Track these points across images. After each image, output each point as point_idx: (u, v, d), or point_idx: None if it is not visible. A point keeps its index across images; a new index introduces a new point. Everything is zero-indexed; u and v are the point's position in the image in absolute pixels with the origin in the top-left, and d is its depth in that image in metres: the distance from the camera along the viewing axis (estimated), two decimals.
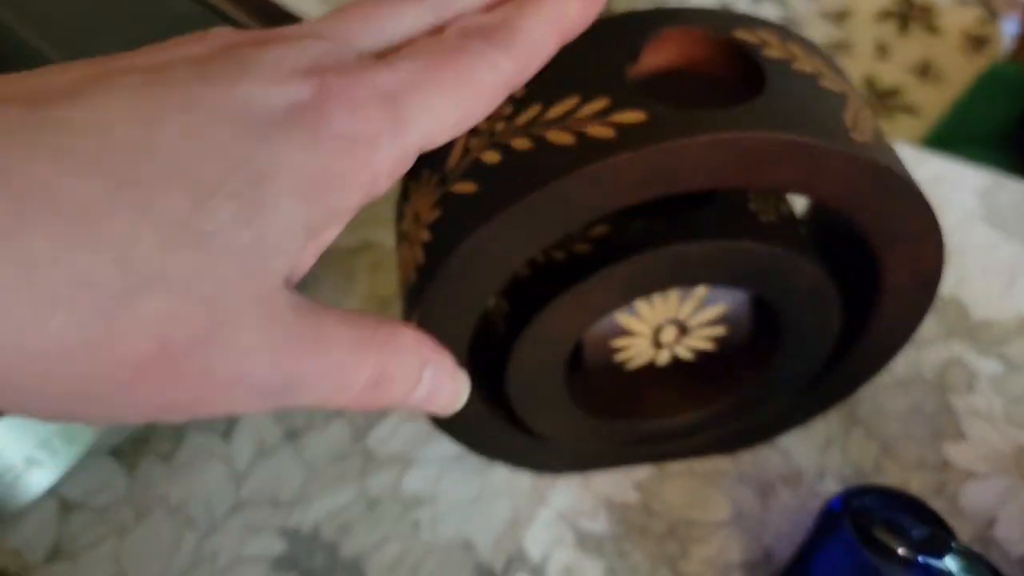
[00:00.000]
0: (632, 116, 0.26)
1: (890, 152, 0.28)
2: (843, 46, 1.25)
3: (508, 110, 0.28)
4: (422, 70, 0.20)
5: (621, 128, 0.26)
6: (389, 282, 0.47)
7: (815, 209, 0.38)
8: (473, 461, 0.40)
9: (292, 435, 0.41)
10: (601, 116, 0.26)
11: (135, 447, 0.40)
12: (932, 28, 1.19)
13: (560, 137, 0.26)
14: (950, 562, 0.27)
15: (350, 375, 0.20)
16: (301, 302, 0.19)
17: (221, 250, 0.17)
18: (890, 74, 1.19)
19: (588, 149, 0.26)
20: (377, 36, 0.21)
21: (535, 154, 0.27)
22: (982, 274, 0.47)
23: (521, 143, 0.27)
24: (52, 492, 0.39)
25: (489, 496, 0.38)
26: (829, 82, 0.29)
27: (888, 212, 0.28)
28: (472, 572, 0.36)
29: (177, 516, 0.38)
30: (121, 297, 0.16)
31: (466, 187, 0.28)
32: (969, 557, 0.27)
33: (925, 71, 1.17)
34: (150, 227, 0.16)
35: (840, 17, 1.23)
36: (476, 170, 0.28)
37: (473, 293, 0.29)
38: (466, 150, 0.29)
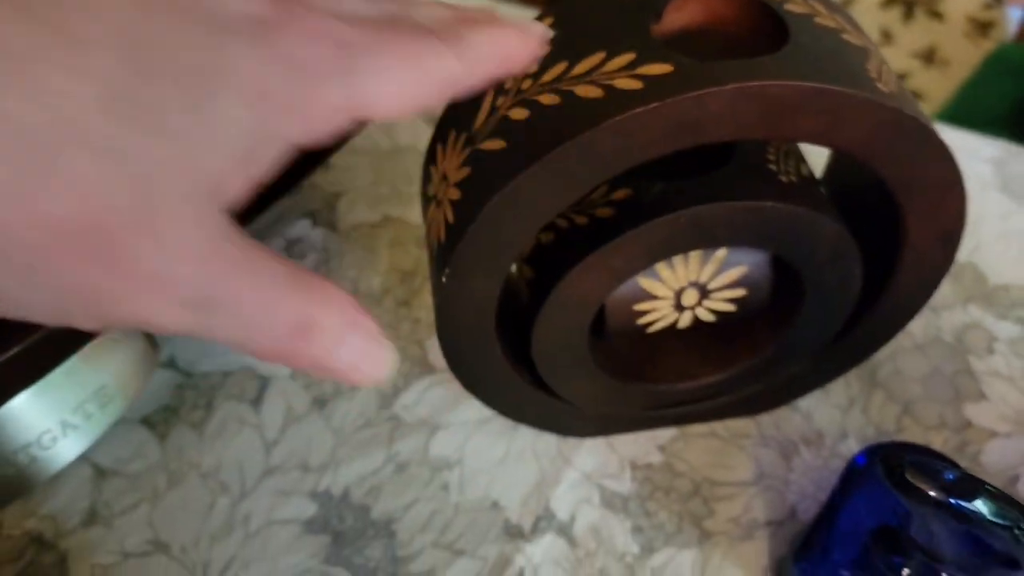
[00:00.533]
0: (659, 68, 0.26)
1: (914, 103, 0.28)
2: None
3: (534, 68, 0.28)
4: (378, 36, 0.20)
5: (648, 80, 0.26)
6: (409, 256, 0.47)
7: (834, 170, 0.38)
8: (498, 425, 0.40)
9: (321, 402, 0.41)
10: (628, 69, 0.26)
11: (166, 416, 0.40)
12: (936, 14, 1.19)
13: (588, 91, 0.26)
14: (981, 505, 0.26)
15: (273, 310, 0.19)
16: (234, 227, 0.19)
17: (159, 129, 0.16)
18: (896, 60, 1.18)
19: (616, 101, 0.26)
20: (336, 7, 0.20)
21: (563, 108, 0.27)
22: (998, 241, 0.46)
23: (549, 99, 0.27)
24: (85, 459, 0.39)
25: (515, 458, 0.38)
26: (852, 36, 0.29)
27: (912, 162, 0.28)
28: (501, 531, 0.36)
29: (209, 482, 0.38)
30: (50, 149, 0.15)
31: (495, 144, 0.28)
32: (1000, 500, 0.26)
33: (931, 57, 1.16)
34: (88, 87, 0.16)
35: (845, 4, 1.22)
36: (504, 127, 0.28)
37: (503, 249, 0.29)
38: (493, 108, 0.29)
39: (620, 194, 0.30)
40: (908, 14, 1.20)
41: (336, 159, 0.52)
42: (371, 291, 0.45)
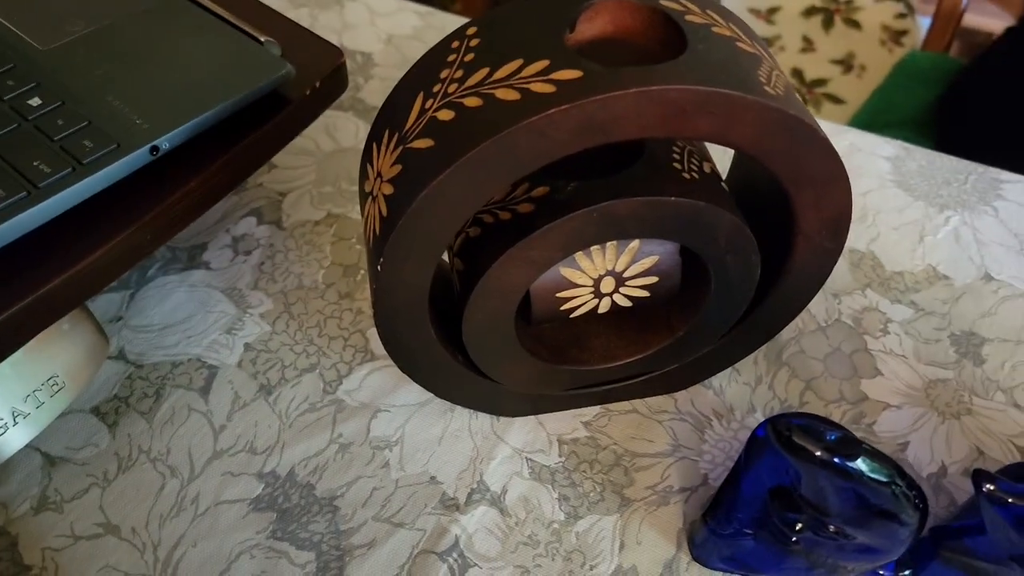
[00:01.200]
0: (570, 74, 0.28)
1: (800, 105, 0.31)
2: (772, 40, 1.29)
3: (459, 74, 0.30)
4: None
5: (560, 84, 0.28)
6: (352, 251, 0.48)
7: (737, 167, 0.40)
8: (435, 407, 0.41)
9: (267, 389, 0.42)
10: (542, 74, 0.28)
11: (115, 406, 0.41)
12: (854, 23, 1.24)
13: (507, 94, 0.28)
14: (862, 464, 0.29)
15: None
16: None
17: None
18: (817, 66, 1.23)
19: (532, 103, 0.28)
20: None
21: (485, 109, 0.29)
22: (894, 232, 0.50)
23: (472, 101, 0.29)
24: (35, 448, 0.40)
25: (451, 437, 0.40)
26: (745, 45, 0.31)
27: (798, 157, 0.31)
28: (438, 502, 0.38)
29: (159, 466, 0.39)
30: None
31: (424, 143, 0.30)
32: (878, 458, 0.29)
33: (849, 63, 1.21)
34: None
35: (770, 13, 1.26)
36: (432, 127, 0.30)
37: (432, 239, 0.31)
38: (422, 110, 0.31)
39: (539, 192, 0.33)
40: (828, 22, 1.25)
41: (280, 159, 0.53)
42: (315, 284, 0.47)
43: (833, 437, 0.29)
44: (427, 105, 0.31)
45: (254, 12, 0.46)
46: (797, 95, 0.32)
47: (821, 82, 1.21)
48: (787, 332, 0.45)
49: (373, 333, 0.45)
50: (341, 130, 0.55)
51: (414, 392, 0.42)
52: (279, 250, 0.48)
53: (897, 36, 1.22)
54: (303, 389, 0.42)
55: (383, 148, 0.32)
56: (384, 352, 0.44)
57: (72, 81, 0.38)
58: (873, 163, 0.54)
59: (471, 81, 0.30)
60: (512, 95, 0.28)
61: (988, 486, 0.30)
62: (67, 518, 0.38)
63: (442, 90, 0.30)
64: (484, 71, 0.30)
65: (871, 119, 1.02)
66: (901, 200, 0.52)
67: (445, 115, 0.30)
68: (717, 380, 0.43)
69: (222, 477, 0.39)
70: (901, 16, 1.24)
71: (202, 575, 0.36)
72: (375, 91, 0.58)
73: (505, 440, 0.40)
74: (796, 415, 0.34)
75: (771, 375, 0.43)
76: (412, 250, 0.31)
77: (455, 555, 0.37)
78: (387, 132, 0.33)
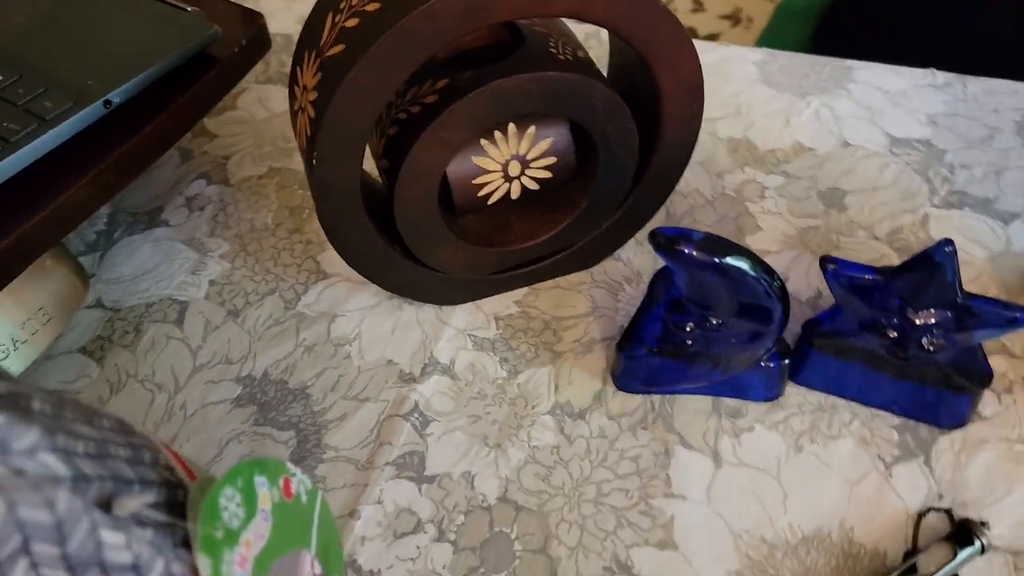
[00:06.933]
0: None
1: None
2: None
3: None
4: None
5: None
6: (296, 195, 0.53)
7: (614, 68, 0.46)
8: (386, 307, 0.46)
9: (234, 313, 0.46)
10: None
11: (100, 344, 0.45)
12: None
13: None
14: (742, 263, 0.34)
15: None
16: None
17: None
18: (708, 24, 1.31)
19: None
20: None
21: (383, 10, 0.34)
22: (764, 119, 0.56)
23: (372, 6, 0.35)
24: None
25: (403, 328, 0.45)
26: None
27: (646, 26, 0.37)
28: (396, 379, 0.43)
29: (147, 384, 0.44)
30: None
31: (337, 49, 0.35)
32: (754, 260, 0.34)
33: (736, 17, 1.30)
34: None
35: None
36: (342, 35, 0.35)
37: (356, 127, 0.36)
38: (333, 25, 0.36)
39: (441, 83, 0.38)
40: None
41: (219, 129, 0.58)
42: (266, 225, 0.51)
43: (699, 237, 0.35)
44: (336, 20, 0.36)
45: None
46: None
47: (713, 37, 1.29)
48: (681, 208, 0.51)
49: (324, 257, 0.49)
50: (272, 99, 0.60)
51: (366, 296, 0.47)
52: (229, 203, 0.53)
53: None
54: (267, 309, 0.47)
55: (305, 67, 0.38)
56: (336, 270, 0.49)
57: (27, 57, 0.43)
58: (742, 68, 0.60)
59: None
60: None
61: (831, 265, 0.36)
62: None
63: (347, 4, 0.36)
64: None
65: None
66: (768, 94, 0.58)
67: (352, 23, 0.35)
68: (624, 253, 0.48)
69: (204, 385, 0.43)
70: None
71: (198, 460, 0.40)
72: None
73: (449, 324, 0.46)
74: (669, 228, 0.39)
75: None
76: (341, 139, 0.36)
77: (416, 415, 0.42)
78: (307, 53, 0.38)
